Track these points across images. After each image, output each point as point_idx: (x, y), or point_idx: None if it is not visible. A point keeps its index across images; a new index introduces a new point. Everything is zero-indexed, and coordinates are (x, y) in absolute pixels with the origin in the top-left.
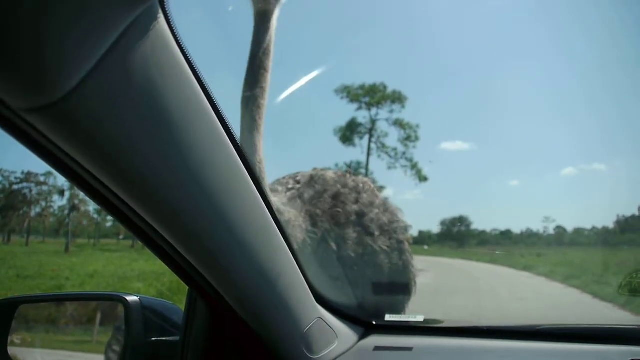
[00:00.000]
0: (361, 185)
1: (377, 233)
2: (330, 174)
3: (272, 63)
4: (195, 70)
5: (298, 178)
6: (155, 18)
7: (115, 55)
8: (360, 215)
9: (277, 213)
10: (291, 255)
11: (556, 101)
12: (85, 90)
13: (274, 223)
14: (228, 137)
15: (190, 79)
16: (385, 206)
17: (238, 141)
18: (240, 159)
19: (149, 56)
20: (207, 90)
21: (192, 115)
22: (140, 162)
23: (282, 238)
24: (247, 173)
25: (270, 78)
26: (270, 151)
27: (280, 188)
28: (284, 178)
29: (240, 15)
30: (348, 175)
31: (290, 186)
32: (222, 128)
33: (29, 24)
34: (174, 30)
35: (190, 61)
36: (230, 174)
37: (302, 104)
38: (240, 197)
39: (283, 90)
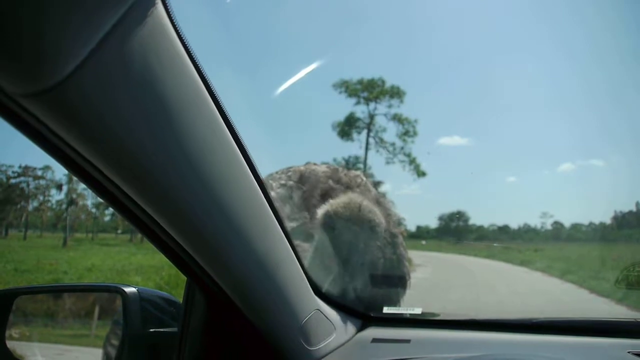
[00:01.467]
0: (354, 180)
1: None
2: (322, 169)
3: None
4: (193, 57)
5: (290, 174)
6: (153, 4)
7: (113, 41)
8: None
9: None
10: (289, 246)
11: (554, 97)
12: (82, 75)
13: (272, 213)
14: (226, 125)
15: (188, 66)
16: (378, 200)
17: (235, 130)
18: (238, 147)
19: (147, 42)
20: (205, 77)
21: (189, 102)
22: (137, 149)
23: (279, 229)
24: (244, 162)
25: None
26: (268, 144)
27: (273, 184)
28: (276, 173)
29: (238, 4)
30: (340, 170)
31: (282, 182)
32: (219, 116)
33: (26, 9)
34: (171, 16)
35: (188, 48)
36: (227, 163)
37: (300, 99)
38: (238, 185)
39: (281, 84)
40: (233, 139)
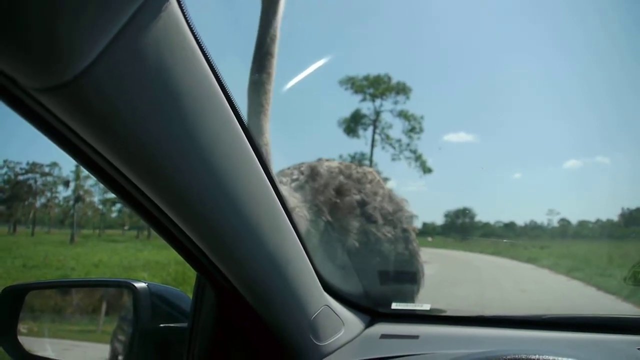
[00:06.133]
0: (365, 176)
1: (380, 221)
2: (334, 165)
3: (278, 48)
4: (205, 52)
5: (302, 169)
6: None
7: (127, 36)
8: (363, 204)
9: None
10: (299, 242)
11: (558, 94)
12: (96, 70)
13: (282, 209)
14: (237, 120)
15: (201, 61)
16: (390, 196)
17: (247, 125)
18: (250, 143)
19: (160, 38)
20: (217, 73)
21: (201, 97)
22: (150, 144)
23: (290, 224)
24: (255, 158)
25: (276, 63)
26: (275, 141)
27: (284, 179)
28: (288, 169)
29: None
30: (353, 166)
31: (295, 177)
32: (231, 112)
33: (40, 3)
34: (184, 11)
35: (201, 43)
36: (239, 158)
37: (306, 95)
38: (249, 181)
39: (287, 81)
40: (244, 134)
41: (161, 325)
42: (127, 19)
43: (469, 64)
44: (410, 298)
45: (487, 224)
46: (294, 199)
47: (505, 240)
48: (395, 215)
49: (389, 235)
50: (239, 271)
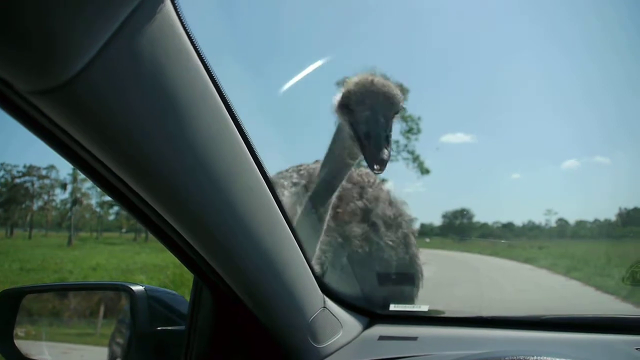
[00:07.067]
0: (366, 179)
1: (382, 229)
2: None
3: None
4: (201, 54)
5: (302, 172)
6: (162, 1)
7: (122, 37)
8: (366, 211)
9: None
10: (297, 245)
11: (557, 95)
12: (91, 73)
13: (279, 211)
14: (233, 122)
15: (196, 62)
16: (390, 200)
17: (243, 126)
18: (245, 144)
19: (155, 39)
20: (212, 74)
21: (197, 99)
22: (146, 146)
23: (287, 227)
24: (252, 159)
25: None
26: (273, 141)
27: (285, 182)
28: (287, 171)
29: (245, 2)
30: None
31: (295, 180)
32: (227, 113)
33: (36, 6)
34: (179, 13)
35: (196, 45)
36: (235, 161)
37: (303, 96)
38: (246, 182)
39: (285, 82)
40: (240, 135)
41: (159, 328)
42: (122, 21)
43: (466, 64)
44: (408, 300)
45: (485, 225)
46: (294, 205)
47: (503, 241)
48: (396, 220)
49: (390, 242)
50: (236, 273)
